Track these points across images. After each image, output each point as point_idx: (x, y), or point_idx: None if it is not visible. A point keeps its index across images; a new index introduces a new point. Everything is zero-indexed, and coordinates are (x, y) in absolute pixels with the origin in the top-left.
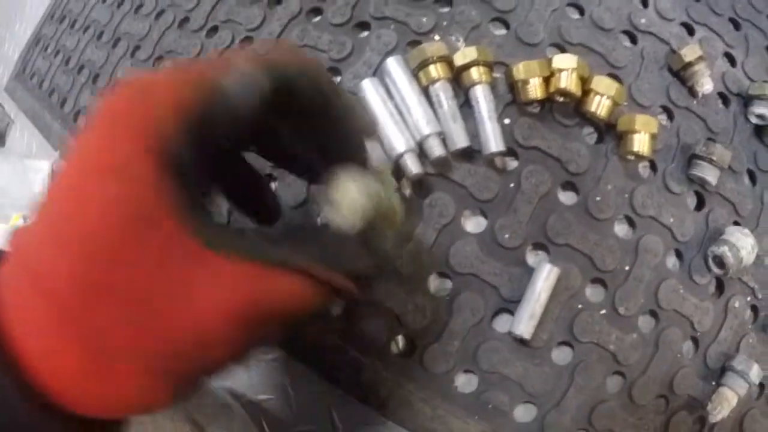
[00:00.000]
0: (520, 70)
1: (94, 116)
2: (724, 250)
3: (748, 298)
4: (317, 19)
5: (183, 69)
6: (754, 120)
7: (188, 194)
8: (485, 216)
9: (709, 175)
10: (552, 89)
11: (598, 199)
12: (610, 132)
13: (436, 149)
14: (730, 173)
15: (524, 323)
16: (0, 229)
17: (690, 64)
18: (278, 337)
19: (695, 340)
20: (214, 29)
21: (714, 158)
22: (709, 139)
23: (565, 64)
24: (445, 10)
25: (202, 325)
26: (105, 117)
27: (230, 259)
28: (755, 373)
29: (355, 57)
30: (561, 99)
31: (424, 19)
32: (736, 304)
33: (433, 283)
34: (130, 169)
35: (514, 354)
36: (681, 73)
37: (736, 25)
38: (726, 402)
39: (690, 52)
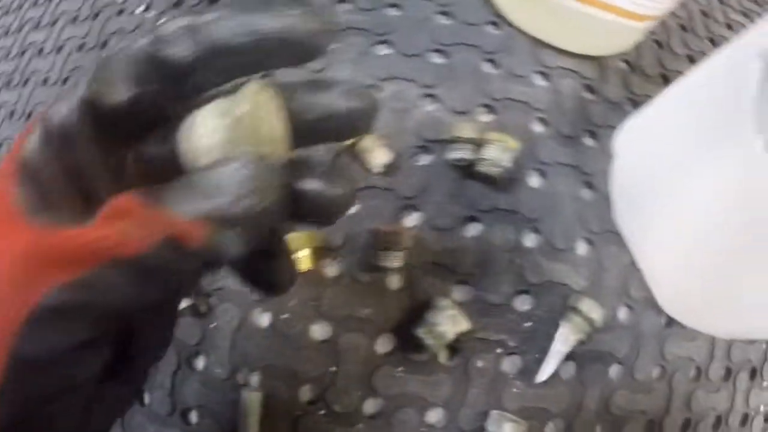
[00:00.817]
0: None
1: None
2: (420, 331)
3: (498, 351)
4: None
5: None
6: (455, 164)
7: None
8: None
9: (390, 260)
10: None
11: (285, 316)
12: None
13: None
14: (438, 234)
15: None
16: None
17: (353, 144)
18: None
19: (438, 411)
20: None
21: (386, 244)
22: (407, 207)
23: None
24: None
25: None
26: None
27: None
28: (509, 429)
29: None
30: None
31: None
32: (479, 364)
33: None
34: None
35: None
36: (353, 153)
37: (444, 54)
38: None
39: None
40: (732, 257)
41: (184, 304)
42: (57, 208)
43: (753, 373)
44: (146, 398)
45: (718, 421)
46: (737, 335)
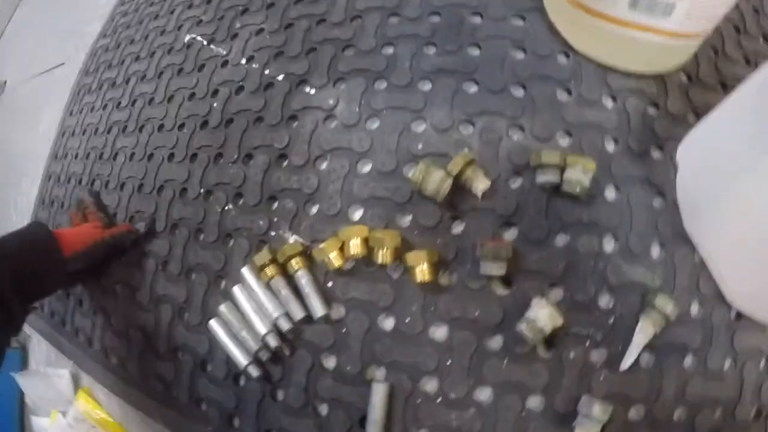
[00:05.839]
0: (322, 249)
1: None
2: (522, 327)
3: (587, 344)
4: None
5: None
6: (543, 186)
7: None
8: (335, 356)
9: (493, 269)
10: (347, 254)
11: (408, 320)
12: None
13: (284, 325)
14: (532, 246)
15: (372, 428)
16: (44, 421)
17: (461, 172)
18: None
19: (537, 396)
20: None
21: (490, 256)
22: (506, 224)
23: (353, 233)
24: (274, 207)
25: None
26: None
27: None
28: (598, 410)
29: (228, 267)
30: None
31: (261, 222)
32: (572, 355)
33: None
34: None
35: None
36: (459, 181)
37: (524, 88)
38: None
39: (457, 161)
40: None
41: (319, 313)
42: None
43: None
44: (279, 394)
45: None
46: None
